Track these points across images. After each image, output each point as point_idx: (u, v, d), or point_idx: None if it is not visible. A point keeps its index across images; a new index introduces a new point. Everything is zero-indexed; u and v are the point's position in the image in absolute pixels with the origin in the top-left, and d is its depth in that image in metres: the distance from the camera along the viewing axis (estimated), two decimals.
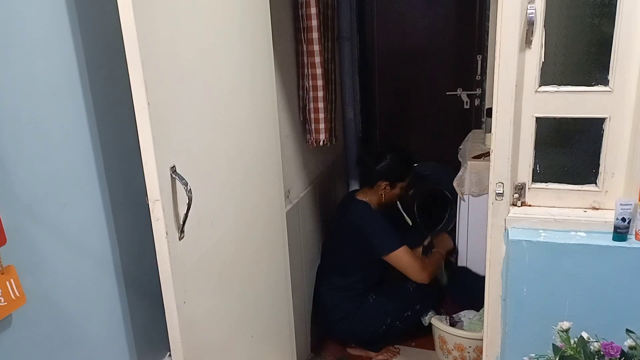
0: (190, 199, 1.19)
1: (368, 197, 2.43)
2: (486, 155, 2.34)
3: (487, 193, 1.59)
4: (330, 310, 2.45)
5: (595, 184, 1.52)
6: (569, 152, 1.53)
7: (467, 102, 3.29)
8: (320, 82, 2.23)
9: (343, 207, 2.58)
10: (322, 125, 2.30)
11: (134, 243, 1.37)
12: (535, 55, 1.43)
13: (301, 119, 2.33)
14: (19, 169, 1.03)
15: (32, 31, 1.05)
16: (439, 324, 2.39)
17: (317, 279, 2.57)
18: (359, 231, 2.36)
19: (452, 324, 2.45)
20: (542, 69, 1.45)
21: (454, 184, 2.44)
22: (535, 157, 1.53)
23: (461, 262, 2.62)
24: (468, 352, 2.32)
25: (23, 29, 1.03)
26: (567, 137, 1.52)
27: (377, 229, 2.34)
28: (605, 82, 1.42)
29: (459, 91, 3.28)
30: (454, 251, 2.58)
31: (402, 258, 2.30)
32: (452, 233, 2.68)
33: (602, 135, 1.47)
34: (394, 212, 2.68)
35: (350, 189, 3.28)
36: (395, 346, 2.55)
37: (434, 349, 2.50)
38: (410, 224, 2.70)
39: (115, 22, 1.03)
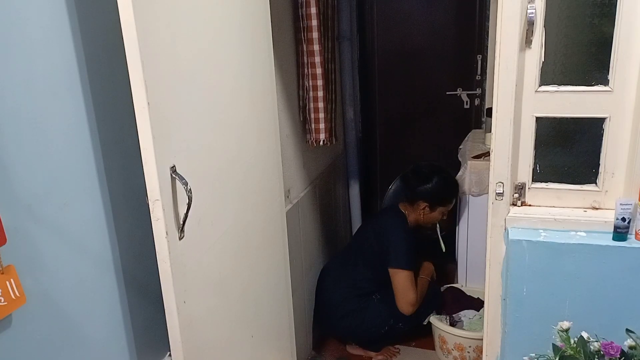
0: (190, 199, 1.19)
1: (407, 212, 2.44)
2: (486, 155, 2.35)
3: (487, 193, 1.59)
4: (334, 306, 2.45)
5: (595, 183, 1.52)
6: (569, 152, 1.53)
7: (467, 101, 3.29)
8: (320, 82, 2.23)
9: (383, 210, 2.60)
10: (322, 125, 2.30)
11: (134, 243, 1.37)
12: (535, 55, 1.43)
13: (301, 118, 2.33)
14: (19, 169, 1.03)
15: (32, 31, 1.05)
16: (439, 323, 2.39)
17: (325, 274, 2.56)
18: (384, 236, 2.37)
19: (452, 323, 2.45)
20: (542, 69, 1.45)
21: None
22: (535, 157, 1.53)
23: (461, 262, 2.62)
24: (468, 352, 2.32)
25: (23, 29, 1.03)
26: (567, 137, 1.52)
27: (399, 241, 2.34)
28: (605, 82, 1.42)
29: (459, 91, 3.28)
30: (434, 277, 2.57)
31: (402, 280, 2.29)
32: (452, 233, 2.68)
33: (602, 135, 1.47)
34: (429, 235, 2.65)
35: (350, 189, 3.27)
36: (396, 346, 2.55)
37: (434, 349, 2.50)
38: (444, 250, 2.65)
39: (115, 22, 1.03)
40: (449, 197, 2.42)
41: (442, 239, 2.62)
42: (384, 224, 2.43)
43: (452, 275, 2.84)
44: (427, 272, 2.48)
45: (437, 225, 2.55)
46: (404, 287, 2.29)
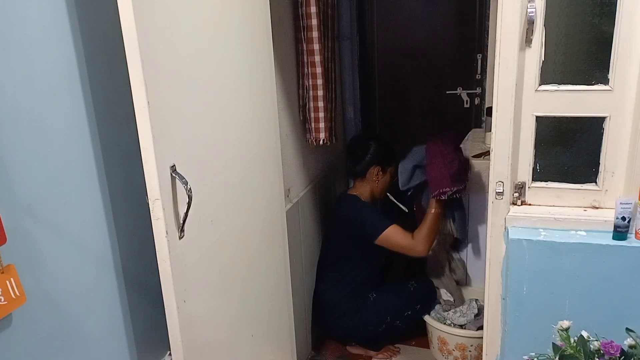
0: (190, 198, 1.19)
1: (359, 191, 2.47)
2: (486, 154, 2.35)
3: (487, 192, 1.59)
4: (330, 308, 2.46)
5: (595, 183, 1.52)
6: (569, 151, 1.53)
7: (467, 101, 3.29)
8: (320, 81, 2.23)
9: (337, 204, 2.60)
10: (322, 124, 2.30)
11: (134, 242, 1.37)
12: (536, 54, 1.43)
13: (301, 118, 2.33)
14: (19, 168, 1.03)
15: (32, 31, 1.05)
16: (439, 325, 2.38)
17: (317, 276, 2.57)
18: (351, 223, 2.38)
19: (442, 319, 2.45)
20: (542, 68, 1.44)
21: None
22: (535, 156, 1.53)
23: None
24: (469, 351, 2.32)
25: (23, 29, 1.03)
26: (567, 136, 1.52)
27: (365, 215, 2.37)
28: (606, 81, 1.42)
29: (459, 90, 3.28)
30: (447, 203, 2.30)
31: (392, 236, 2.29)
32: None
33: (602, 134, 1.47)
34: (387, 204, 2.69)
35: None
36: (396, 345, 2.56)
37: None
38: (407, 211, 2.68)
39: (115, 22, 1.03)
40: (392, 154, 2.51)
41: (398, 202, 2.66)
42: (344, 215, 2.44)
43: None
44: (436, 205, 2.26)
45: (389, 195, 2.61)
46: (396, 242, 2.29)
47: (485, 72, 2.86)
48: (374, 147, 2.46)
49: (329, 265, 2.53)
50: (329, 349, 2.60)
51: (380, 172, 2.46)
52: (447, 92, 3.29)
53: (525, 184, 1.56)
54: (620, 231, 1.43)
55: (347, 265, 2.44)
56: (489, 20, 2.71)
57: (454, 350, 2.35)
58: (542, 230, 1.52)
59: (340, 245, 2.45)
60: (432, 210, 2.26)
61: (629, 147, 1.45)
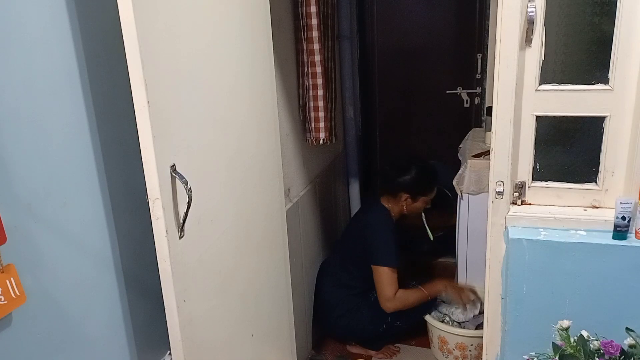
0: (190, 198, 1.19)
1: (391, 205, 2.44)
2: (486, 153, 2.35)
3: (486, 191, 1.59)
4: (332, 306, 2.46)
5: (595, 182, 1.52)
6: (569, 150, 1.53)
7: (467, 100, 3.29)
8: (320, 81, 2.23)
9: (365, 207, 2.60)
10: (322, 124, 2.30)
11: (134, 242, 1.37)
12: (536, 53, 1.43)
13: (301, 117, 2.33)
14: (19, 168, 1.03)
15: (31, 30, 1.05)
16: (439, 324, 2.38)
17: (321, 274, 2.58)
18: (368, 232, 2.38)
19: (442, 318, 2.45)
20: (542, 68, 1.44)
21: (454, 183, 2.45)
22: (535, 155, 1.53)
23: (461, 261, 2.62)
24: (470, 351, 2.32)
25: (23, 28, 1.03)
26: (567, 135, 1.52)
27: (382, 239, 2.34)
28: (606, 81, 1.42)
29: (459, 90, 3.28)
30: (436, 298, 2.50)
31: (381, 276, 2.29)
32: (452, 232, 2.68)
33: (602, 134, 1.47)
34: (416, 224, 2.65)
35: (350, 188, 3.28)
36: (396, 345, 2.56)
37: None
38: (432, 239, 2.66)
39: (115, 21, 1.03)
40: (428, 186, 2.44)
41: (430, 229, 2.63)
42: (368, 223, 2.42)
43: (451, 273, 2.84)
44: (430, 289, 2.40)
45: (422, 215, 2.57)
46: (381, 283, 2.30)
47: (485, 71, 2.86)
48: (410, 175, 2.38)
49: (338, 264, 2.52)
50: (329, 349, 2.60)
51: (409, 200, 2.40)
52: (447, 91, 3.29)
53: (525, 183, 1.56)
54: (620, 231, 1.44)
55: (354, 266, 2.44)
56: (489, 20, 2.71)
57: (454, 349, 2.35)
58: (542, 229, 1.52)
59: (353, 247, 2.45)
60: (426, 292, 2.37)
61: (629, 146, 1.45)
